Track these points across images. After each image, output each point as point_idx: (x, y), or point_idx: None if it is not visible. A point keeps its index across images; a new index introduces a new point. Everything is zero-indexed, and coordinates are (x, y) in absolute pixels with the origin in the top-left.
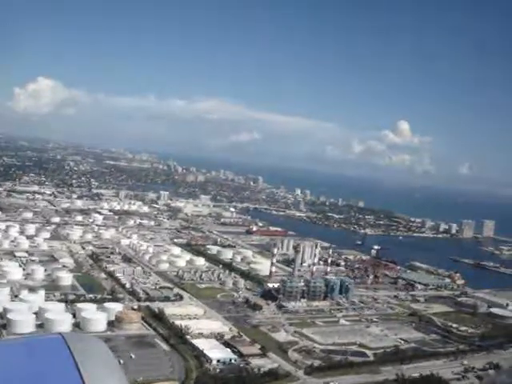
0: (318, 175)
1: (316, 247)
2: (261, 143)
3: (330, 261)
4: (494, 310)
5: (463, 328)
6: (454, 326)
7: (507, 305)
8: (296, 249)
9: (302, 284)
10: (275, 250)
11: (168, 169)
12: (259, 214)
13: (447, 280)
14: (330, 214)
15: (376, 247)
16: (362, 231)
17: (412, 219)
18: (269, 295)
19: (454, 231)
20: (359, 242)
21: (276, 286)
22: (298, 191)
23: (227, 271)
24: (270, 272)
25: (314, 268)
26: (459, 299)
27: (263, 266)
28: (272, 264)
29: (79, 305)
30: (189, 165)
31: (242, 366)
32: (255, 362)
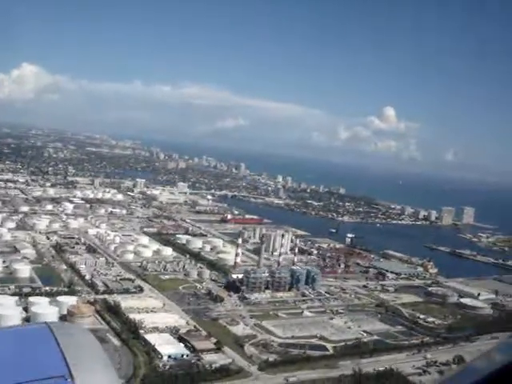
0: (304, 162)
1: (283, 236)
2: (247, 129)
3: (296, 250)
4: (463, 300)
5: (430, 319)
6: (422, 317)
7: (478, 295)
8: (262, 238)
9: (267, 275)
10: (240, 240)
11: (150, 155)
12: (237, 202)
13: (420, 269)
14: (309, 202)
15: (350, 235)
16: (340, 219)
17: (392, 206)
18: (233, 286)
19: (433, 218)
20: (333, 230)
21: (240, 276)
22: (280, 178)
23: (193, 262)
24: (235, 263)
25: (281, 258)
26: (429, 289)
27: (232, 255)
28: (237, 254)
29: (32, 298)
30: (173, 151)
31: (193, 361)
32: (208, 357)
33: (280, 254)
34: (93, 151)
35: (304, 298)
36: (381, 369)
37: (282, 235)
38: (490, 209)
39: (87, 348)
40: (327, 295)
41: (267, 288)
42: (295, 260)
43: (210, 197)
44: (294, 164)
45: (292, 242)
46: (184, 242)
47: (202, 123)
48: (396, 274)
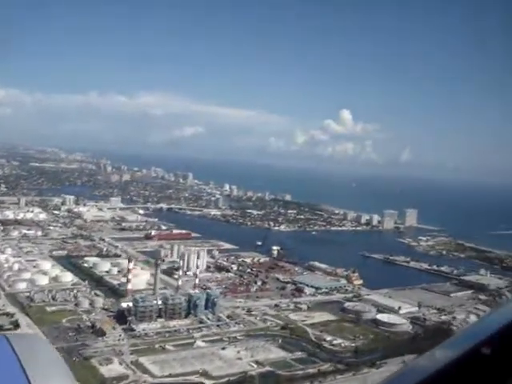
0: (260, 168)
1: (200, 254)
2: (205, 137)
3: (199, 268)
4: (380, 316)
5: (338, 341)
6: (328, 339)
7: (399, 308)
8: (157, 262)
9: (159, 302)
10: (131, 265)
11: (97, 168)
12: (172, 215)
13: (343, 281)
14: (248, 211)
15: (275, 248)
16: (276, 228)
17: (336, 211)
18: (122, 317)
19: (375, 223)
20: (259, 243)
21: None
22: (227, 186)
23: (88, 289)
24: (126, 289)
25: (196, 278)
26: (346, 305)
27: (141, 278)
28: (128, 280)
29: None
30: (126, 162)
31: None
32: None
33: (194, 274)
34: (36, 166)
35: (200, 326)
36: None
37: (198, 253)
38: (438, 208)
39: (47, 359)
40: (227, 320)
41: (160, 316)
42: (197, 282)
43: (141, 211)
44: (247, 171)
45: (214, 258)
46: (91, 264)
47: (159, 132)
48: (316, 288)
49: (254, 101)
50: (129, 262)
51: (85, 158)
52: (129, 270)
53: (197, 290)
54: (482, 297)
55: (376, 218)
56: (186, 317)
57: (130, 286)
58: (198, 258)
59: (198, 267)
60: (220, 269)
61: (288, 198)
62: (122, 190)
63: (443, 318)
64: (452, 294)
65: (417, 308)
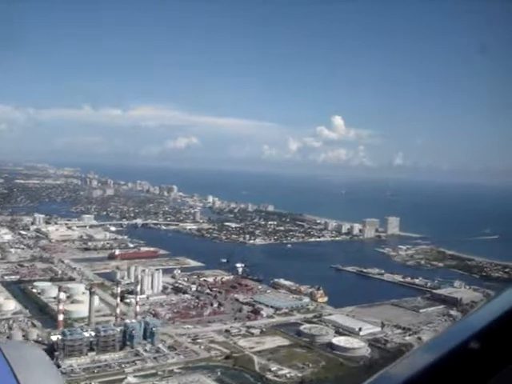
0: (253, 177)
1: (154, 275)
2: (199, 148)
3: (153, 290)
4: (336, 339)
5: (284, 371)
6: (274, 368)
7: (360, 329)
8: (91, 289)
9: (91, 334)
10: (62, 294)
11: (83, 183)
12: (145, 231)
13: (305, 300)
14: (227, 224)
15: (239, 265)
16: (251, 242)
17: (318, 221)
18: (51, 351)
19: (356, 232)
20: (224, 260)
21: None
22: (211, 198)
23: (25, 319)
24: (58, 321)
25: (149, 301)
26: (302, 327)
27: (86, 305)
28: (59, 312)
29: None
30: (117, 175)
31: None
32: None
33: (147, 297)
34: (20, 183)
35: (135, 359)
36: None
37: (152, 274)
38: (427, 212)
39: (38, 366)
40: (166, 351)
41: (92, 350)
42: (137, 309)
43: (113, 228)
44: (239, 180)
45: (175, 278)
46: (39, 290)
47: (153, 144)
48: (275, 309)
49: (247, 110)
50: (59, 291)
51: (73, 172)
52: (59, 301)
53: (138, 318)
54: (453, 312)
55: (357, 226)
56: (122, 349)
57: (61, 318)
58: (152, 279)
59: (152, 289)
60: (178, 290)
61: (271, 208)
62: (100, 206)
63: (407, 338)
64: (422, 310)
65: (379, 328)
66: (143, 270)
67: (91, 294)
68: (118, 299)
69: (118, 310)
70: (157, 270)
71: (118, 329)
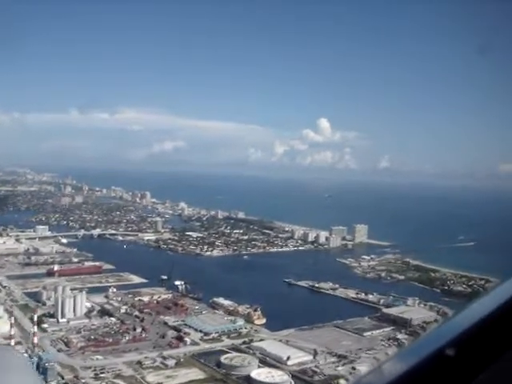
0: (236, 181)
1: (77, 297)
2: (187, 151)
3: (65, 311)
4: (255, 373)
5: None
6: None
7: (288, 358)
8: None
9: None
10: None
11: (56, 190)
12: (100, 243)
13: (239, 323)
14: (188, 234)
15: (179, 282)
16: (208, 253)
17: (286, 229)
18: None
19: (323, 240)
20: (164, 277)
21: None
22: (182, 204)
23: None
24: None
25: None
26: (223, 357)
27: (3, 328)
28: None
29: None
30: (99, 181)
31: None
32: None
33: (68, 321)
34: None
35: None
36: None
37: (75, 297)
38: (403, 218)
39: (19, 370)
40: None
41: None
42: (35, 340)
43: (64, 240)
44: (222, 184)
45: (108, 297)
46: None
47: (140, 148)
48: (204, 333)
49: (234, 113)
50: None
51: (51, 178)
52: None
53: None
54: (401, 336)
55: (324, 235)
56: None
57: None
58: (75, 301)
59: (74, 312)
60: (104, 313)
61: (241, 215)
62: (63, 215)
63: (340, 369)
64: (366, 333)
65: (311, 356)
66: (73, 290)
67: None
68: (35, 327)
69: (35, 339)
70: (82, 290)
71: None
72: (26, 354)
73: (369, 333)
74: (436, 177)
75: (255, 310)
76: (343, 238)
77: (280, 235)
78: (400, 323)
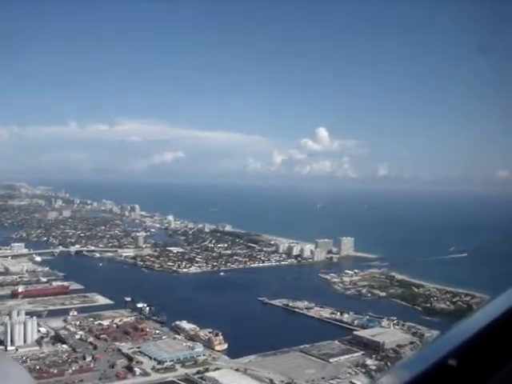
0: (234, 191)
1: (28, 322)
2: (187, 161)
3: (15, 338)
4: None
5: None
6: None
7: None
8: None
9: None
10: None
11: (47, 204)
12: (76, 260)
13: (198, 349)
14: (169, 249)
15: (141, 305)
16: (184, 270)
17: (272, 242)
18: None
19: (307, 254)
20: (128, 299)
21: None
22: (170, 217)
23: None
24: None
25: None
26: None
27: None
28: None
29: None
30: (92, 194)
31: None
32: None
33: (17, 349)
34: None
35: None
36: None
37: (25, 322)
38: (395, 227)
39: (15, 377)
40: None
41: None
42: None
43: (38, 258)
44: (219, 194)
45: (66, 321)
46: None
47: (140, 159)
48: (158, 361)
49: (233, 123)
50: None
51: (45, 191)
52: None
53: None
54: (370, 362)
55: (309, 248)
56: None
57: None
58: (25, 327)
59: (25, 339)
60: (57, 339)
61: (228, 228)
62: (45, 230)
63: None
64: (333, 359)
65: None
66: (32, 313)
67: None
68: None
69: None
70: (41, 313)
71: None
72: None
73: (335, 359)
74: (435, 183)
75: (216, 335)
76: (329, 252)
77: (265, 249)
78: (372, 347)
